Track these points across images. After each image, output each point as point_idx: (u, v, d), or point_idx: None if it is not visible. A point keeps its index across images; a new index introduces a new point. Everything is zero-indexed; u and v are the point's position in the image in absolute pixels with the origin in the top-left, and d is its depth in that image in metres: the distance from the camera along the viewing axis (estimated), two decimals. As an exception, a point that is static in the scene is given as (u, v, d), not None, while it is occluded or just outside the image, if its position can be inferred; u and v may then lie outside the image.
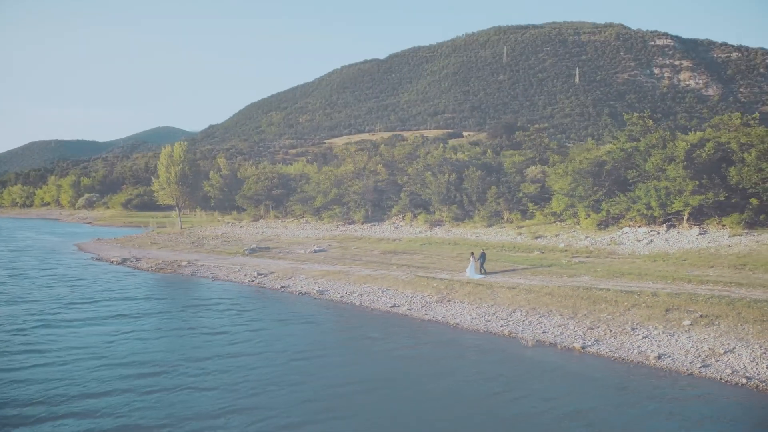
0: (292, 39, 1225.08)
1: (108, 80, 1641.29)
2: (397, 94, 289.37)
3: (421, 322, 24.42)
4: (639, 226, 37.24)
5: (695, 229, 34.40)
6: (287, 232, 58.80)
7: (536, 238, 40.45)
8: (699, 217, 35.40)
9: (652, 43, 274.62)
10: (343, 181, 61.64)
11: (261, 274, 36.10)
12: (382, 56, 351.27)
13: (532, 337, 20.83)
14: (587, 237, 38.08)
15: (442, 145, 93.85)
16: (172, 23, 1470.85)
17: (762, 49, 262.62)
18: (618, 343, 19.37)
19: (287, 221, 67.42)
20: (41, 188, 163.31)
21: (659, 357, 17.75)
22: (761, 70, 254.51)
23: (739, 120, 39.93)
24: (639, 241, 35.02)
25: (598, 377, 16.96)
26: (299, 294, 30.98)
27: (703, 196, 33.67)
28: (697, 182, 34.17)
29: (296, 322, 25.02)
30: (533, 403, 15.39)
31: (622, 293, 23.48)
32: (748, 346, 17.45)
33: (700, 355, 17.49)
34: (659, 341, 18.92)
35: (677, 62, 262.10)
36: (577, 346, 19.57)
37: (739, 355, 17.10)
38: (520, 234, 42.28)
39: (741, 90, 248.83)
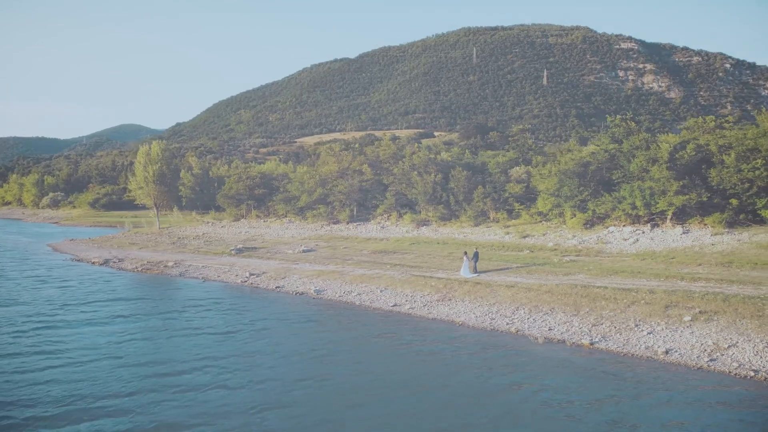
0: (262, 37, 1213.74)
1: (70, 76, 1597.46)
2: (367, 94, 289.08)
3: (425, 320, 24.73)
4: (624, 226, 38.38)
5: (678, 228, 35.68)
6: (271, 232, 58.42)
7: (524, 237, 41.27)
8: (681, 216, 36.70)
9: (617, 46, 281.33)
10: (327, 181, 61.57)
11: (253, 275, 35.92)
12: (352, 55, 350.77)
13: (540, 334, 21.40)
14: (575, 236, 39.07)
15: (417, 144, 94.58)
16: (136, 19, 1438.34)
17: (721, 53, 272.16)
18: (624, 339, 20.07)
19: (270, 221, 66.94)
20: (2, 187, 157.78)
21: (667, 352, 18.49)
22: (720, 74, 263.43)
23: (713, 122, 41.51)
24: (625, 240, 36.13)
25: (612, 372, 17.58)
26: (296, 294, 30.97)
27: (687, 197, 34.94)
28: (681, 183, 35.43)
29: (299, 321, 25.08)
30: (551, 395, 15.90)
31: (620, 291, 24.28)
32: (749, 341, 18.32)
33: (705, 350, 18.29)
34: (664, 337, 19.67)
35: (641, 65, 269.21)
36: (586, 342, 20.21)
37: (742, 349, 17.95)
38: (508, 233, 43.06)
39: (701, 93, 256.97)
